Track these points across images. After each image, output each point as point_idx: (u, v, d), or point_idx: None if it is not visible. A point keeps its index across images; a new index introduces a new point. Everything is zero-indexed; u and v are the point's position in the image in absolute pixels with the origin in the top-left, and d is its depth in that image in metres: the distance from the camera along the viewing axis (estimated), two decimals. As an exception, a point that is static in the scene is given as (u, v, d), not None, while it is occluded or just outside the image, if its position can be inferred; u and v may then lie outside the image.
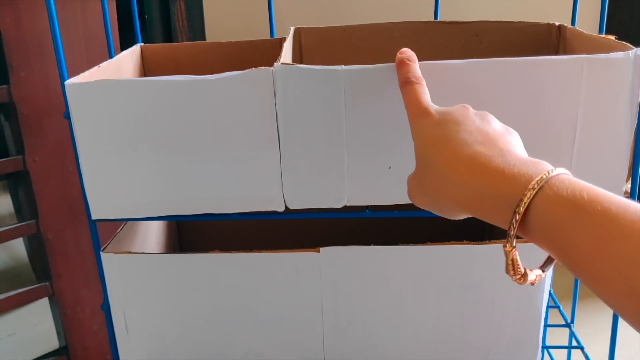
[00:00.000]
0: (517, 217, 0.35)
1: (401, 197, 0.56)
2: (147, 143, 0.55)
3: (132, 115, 0.54)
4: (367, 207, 0.58)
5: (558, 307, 0.84)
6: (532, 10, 1.40)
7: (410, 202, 0.47)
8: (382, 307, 0.62)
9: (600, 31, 0.70)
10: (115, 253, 0.60)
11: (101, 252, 0.61)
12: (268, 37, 0.77)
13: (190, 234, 0.89)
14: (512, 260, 0.37)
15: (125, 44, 0.80)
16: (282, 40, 0.68)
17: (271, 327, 0.63)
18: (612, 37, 0.56)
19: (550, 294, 0.83)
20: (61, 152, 0.90)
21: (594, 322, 1.17)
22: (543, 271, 0.40)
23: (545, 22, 0.69)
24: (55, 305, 0.97)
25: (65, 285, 0.96)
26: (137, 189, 0.57)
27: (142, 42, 0.76)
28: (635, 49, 0.52)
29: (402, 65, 0.49)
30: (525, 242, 0.37)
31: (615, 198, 0.32)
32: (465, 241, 0.59)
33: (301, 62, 0.55)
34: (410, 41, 0.71)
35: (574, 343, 0.77)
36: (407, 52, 0.50)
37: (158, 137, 0.55)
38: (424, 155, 0.42)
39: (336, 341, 0.63)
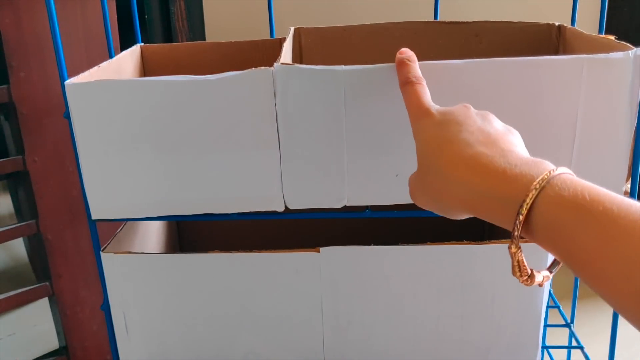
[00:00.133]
0: (520, 218, 0.35)
1: (401, 197, 0.56)
2: (147, 143, 0.55)
3: (132, 115, 0.54)
4: (367, 207, 0.58)
5: (558, 307, 0.84)
6: (532, 10, 1.40)
7: (411, 202, 0.47)
8: (382, 307, 0.62)
9: (600, 31, 0.70)
10: (115, 253, 0.60)
11: (101, 252, 0.61)
12: (268, 37, 0.77)
13: (190, 234, 0.89)
14: (518, 261, 0.37)
15: (125, 44, 0.80)
16: (282, 41, 0.68)
17: (271, 327, 0.63)
18: (612, 37, 0.56)
19: (550, 294, 0.83)
20: (61, 152, 0.90)
21: (594, 322, 1.17)
22: (551, 272, 0.39)
23: (545, 22, 0.69)
24: (55, 305, 0.97)
25: (65, 285, 0.96)
26: (137, 189, 0.57)
27: (142, 42, 0.76)
28: (635, 49, 0.52)
29: (402, 65, 0.49)
30: (528, 242, 0.36)
31: (617, 198, 0.32)
32: (465, 241, 0.59)
33: (301, 62, 0.55)
34: (410, 41, 0.71)
35: (574, 343, 0.77)
36: (407, 52, 0.50)
37: (158, 137, 0.55)
38: (426, 155, 0.42)
39: (336, 341, 0.63)
